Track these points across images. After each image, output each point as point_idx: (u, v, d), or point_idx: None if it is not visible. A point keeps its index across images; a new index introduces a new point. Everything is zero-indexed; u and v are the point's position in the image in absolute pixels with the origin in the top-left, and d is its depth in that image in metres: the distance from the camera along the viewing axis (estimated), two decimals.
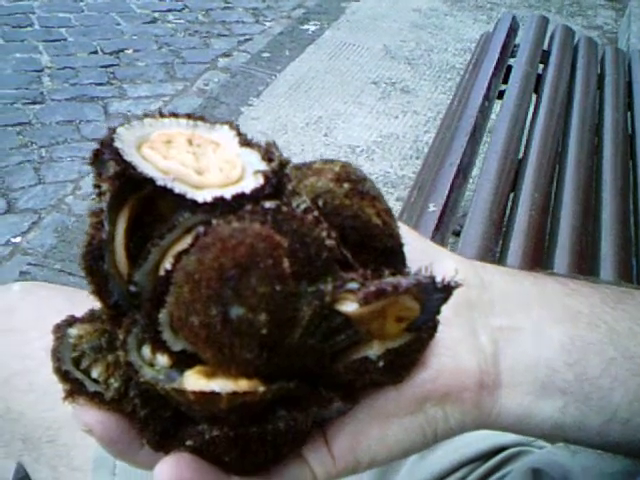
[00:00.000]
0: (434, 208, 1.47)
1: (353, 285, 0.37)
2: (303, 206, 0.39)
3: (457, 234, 1.55)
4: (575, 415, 0.44)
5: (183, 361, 0.37)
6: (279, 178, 0.40)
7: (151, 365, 0.38)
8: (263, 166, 0.40)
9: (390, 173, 2.76)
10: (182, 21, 3.88)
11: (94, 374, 0.40)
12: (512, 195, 1.61)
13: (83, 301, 0.42)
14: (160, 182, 0.37)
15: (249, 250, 0.34)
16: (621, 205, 1.65)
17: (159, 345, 0.38)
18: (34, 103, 3.04)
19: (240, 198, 0.38)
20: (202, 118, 0.42)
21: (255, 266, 0.34)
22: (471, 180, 1.73)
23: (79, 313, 0.43)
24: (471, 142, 1.73)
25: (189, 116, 0.42)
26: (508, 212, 1.56)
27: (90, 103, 3.09)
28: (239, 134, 0.42)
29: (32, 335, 0.74)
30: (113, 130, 0.39)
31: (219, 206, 0.38)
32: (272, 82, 3.31)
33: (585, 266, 1.46)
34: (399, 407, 0.41)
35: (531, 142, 1.79)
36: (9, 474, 0.75)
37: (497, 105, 2.01)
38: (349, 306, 0.37)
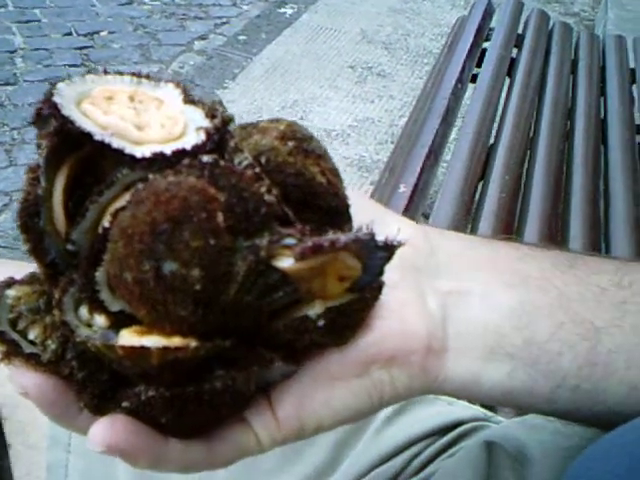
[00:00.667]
0: (404, 189, 1.47)
1: (290, 241, 0.36)
2: (245, 163, 0.38)
3: (427, 216, 1.55)
4: (524, 380, 0.44)
5: (121, 322, 0.37)
6: (221, 135, 0.39)
7: (89, 326, 0.37)
8: (206, 123, 0.39)
9: (365, 157, 2.75)
10: (158, 3, 3.85)
11: (31, 336, 0.39)
12: (483, 178, 1.61)
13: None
14: (98, 137, 0.37)
15: (182, 203, 0.34)
16: (591, 188, 1.65)
17: (97, 305, 0.37)
18: (7, 84, 3.00)
19: (180, 154, 0.37)
20: (147, 76, 0.41)
21: (188, 220, 0.34)
22: (443, 163, 1.73)
23: None
24: (443, 125, 1.73)
25: (134, 74, 0.41)
26: (479, 194, 1.57)
27: None
28: (184, 92, 0.41)
29: None
30: (53, 85, 0.38)
31: (158, 162, 0.37)
32: (248, 65, 3.29)
33: (555, 248, 1.46)
34: (344, 370, 0.40)
35: (503, 125, 1.79)
36: None
37: (471, 88, 2.01)
38: (285, 262, 0.36)
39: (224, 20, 3.77)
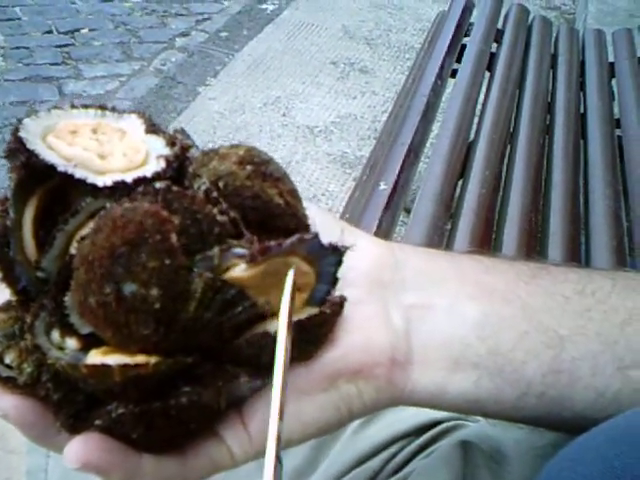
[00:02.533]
0: (385, 187, 1.48)
1: (239, 250, 0.38)
2: (203, 187, 0.40)
3: (409, 211, 1.55)
4: (489, 388, 0.44)
5: (92, 344, 0.38)
6: (180, 162, 0.41)
7: (60, 349, 0.38)
8: (167, 151, 0.41)
9: (348, 153, 2.75)
10: (139, 0, 3.83)
11: (7, 360, 0.40)
12: (463, 174, 1.62)
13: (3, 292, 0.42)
14: (61, 168, 0.38)
15: (138, 227, 0.35)
16: (571, 183, 1.66)
17: (67, 329, 0.38)
18: None
19: (141, 182, 0.39)
20: (113, 109, 0.43)
21: (144, 242, 0.35)
22: (423, 159, 1.74)
23: None
24: (423, 121, 1.73)
25: (100, 107, 0.43)
26: (459, 191, 1.57)
27: (45, 83, 3.05)
28: (146, 122, 0.43)
29: None
30: (19, 121, 0.40)
31: (120, 190, 0.39)
32: (230, 62, 3.28)
33: (534, 243, 1.47)
34: (310, 384, 0.41)
35: (483, 121, 1.79)
36: None
37: (450, 84, 2.02)
38: (238, 271, 0.38)
39: (205, 16, 3.76)
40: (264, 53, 3.38)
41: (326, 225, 0.43)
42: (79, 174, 0.39)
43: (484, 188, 1.55)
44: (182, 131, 0.44)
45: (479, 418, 0.71)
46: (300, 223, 0.42)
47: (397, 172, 1.51)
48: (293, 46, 3.47)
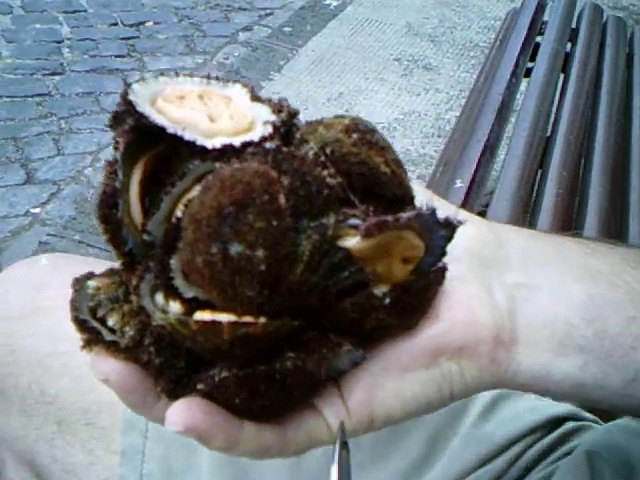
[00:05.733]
0: (461, 184, 1.45)
1: (355, 221, 0.38)
2: (311, 152, 0.40)
3: (482, 214, 1.52)
4: (595, 373, 0.43)
5: (195, 308, 0.38)
6: (288, 127, 0.41)
7: (164, 312, 0.38)
8: (273, 117, 0.42)
9: (411, 151, 2.73)
10: None
11: (110, 322, 0.41)
12: (539, 173, 1.59)
13: None
14: (171, 130, 0.39)
15: (246, 187, 0.35)
16: None
17: (171, 292, 0.38)
18: (54, 74, 3.02)
19: (249, 146, 0.39)
20: (216, 78, 0.44)
21: (251, 202, 0.35)
22: (497, 158, 1.71)
23: None
24: (498, 119, 1.71)
25: (203, 76, 0.44)
26: (535, 190, 1.54)
27: (110, 75, 3.07)
28: (251, 91, 0.44)
29: (62, 314, 0.73)
30: (128, 85, 0.40)
31: (228, 153, 0.39)
32: (293, 57, 3.28)
33: (621, 244, 1.43)
34: (413, 359, 0.41)
35: (559, 120, 1.76)
36: (41, 458, 0.74)
37: (524, 83, 1.98)
38: (351, 241, 0.37)
39: (268, 11, 3.76)
40: (327, 49, 3.37)
41: (428, 202, 0.43)
42: (188, 136, 0.39)
43: (561, 189, 1.52)
44: (285, 100, 0.44)
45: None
46: (406, 193, 0.42)
47: (473, 170, 1.49)
48: (357, 42, 3.45)
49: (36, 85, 2.94)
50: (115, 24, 3.46)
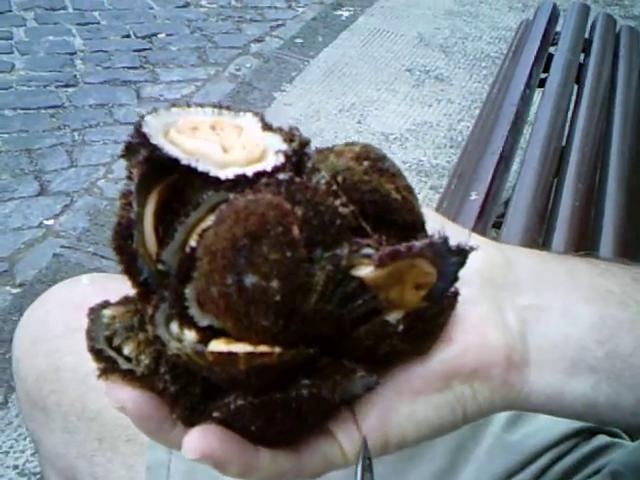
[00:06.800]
0: (476, 197, 1.45)
1: (368, 250, 0.38)
2: (323, 181, 0.40)
3: (497, 226, 1.52)
4: (608, 393, 0.43)
5: (210, 337, 0.38)
6: (299, 157, 0.42)
7: (179, 340, 0.38)
8: (284, 147, 0.42)
9: (423, 161, 2.73)
10: (214, 6, 3.87)
11: (126, 351, 0.41)
12: (555, 185, 1.58)
13: None
14: (185, 161, 0.39)
15: (260, 219, 0.36)
16: None
17: (186, 321, 0.39)
18: (67, 86, 3.04)
19: (261, 175, 0.40)
20: (227, 108, 0.45)
21: (266, 234, 0.36)
22: (512, 170, 1.70)
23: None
24: (512, 130, 1.70)
25: (214, 106, 0.45)
26: (551, 202, 1.54)
27: (123, 87, 3.08)
28: (262, 120, 0.44)
29: None
30: (141, 118, 0.41)
31: (241, 183, 0.39)
32: (305, 68, 3.28)
33: (630, 258, 1.42)
34: (426, 383, 0.41)
35: (574, 131, 1.75)
36: (81, 475, 0.75)
37: (537, 94, 1.98)
38: (364, 270, 0.38)
39: (280, 23, 3.77)
40: (339, 60, 3.37)
41: (438, 227, 0.43)
42: (202, 167, 0.40)
43: (577, 200, 1.51)
44: (296, 129, 0.44)
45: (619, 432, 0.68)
46: (417, 218, 0.43)
47: (489, 182, 1.49)
48: (368, 53, 3.45)
49: (49, 97, 2.95)
50: (128, 36, 3.48)
